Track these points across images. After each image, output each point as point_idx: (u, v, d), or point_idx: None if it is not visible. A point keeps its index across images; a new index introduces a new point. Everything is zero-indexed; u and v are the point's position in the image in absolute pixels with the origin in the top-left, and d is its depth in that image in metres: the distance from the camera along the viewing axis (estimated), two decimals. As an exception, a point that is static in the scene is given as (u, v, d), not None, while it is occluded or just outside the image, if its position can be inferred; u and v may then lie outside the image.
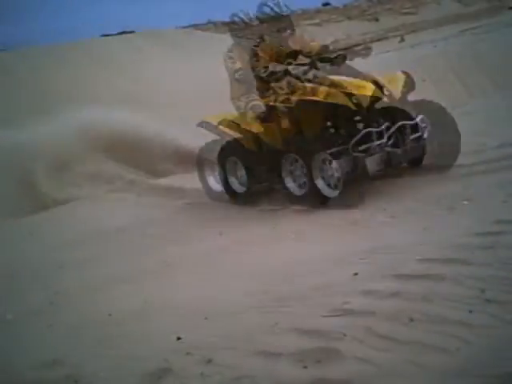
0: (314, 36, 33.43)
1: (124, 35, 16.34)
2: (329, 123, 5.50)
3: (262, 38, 5.87)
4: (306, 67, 5.46)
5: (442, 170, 5.41)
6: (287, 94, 5.39)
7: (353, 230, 4.56)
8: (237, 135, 6.01)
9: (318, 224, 4.87)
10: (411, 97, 14.96)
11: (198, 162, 6.75)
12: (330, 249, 4.23)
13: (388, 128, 5.26)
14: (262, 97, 5.63)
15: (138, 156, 8.60)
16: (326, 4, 42.85)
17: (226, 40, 21.19)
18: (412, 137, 5.39)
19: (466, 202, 4.64)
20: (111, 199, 7.57)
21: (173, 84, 12.39)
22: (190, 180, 7.60)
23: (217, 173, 6.49)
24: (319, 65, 5.52)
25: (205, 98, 12.13)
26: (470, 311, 2.86)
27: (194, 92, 12.31)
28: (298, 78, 5.39)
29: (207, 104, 12.40)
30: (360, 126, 5.33)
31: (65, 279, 4.81)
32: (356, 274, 3.61)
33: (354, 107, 5.11)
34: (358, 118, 5.38)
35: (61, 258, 5.44)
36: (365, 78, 5.25)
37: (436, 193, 4.97)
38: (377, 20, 38.91)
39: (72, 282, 4.70)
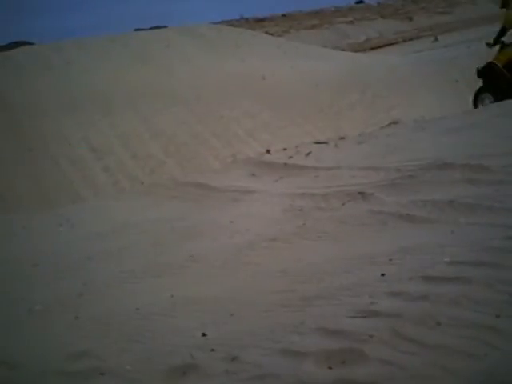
0: (346, 34, 33.24)
1: (157, 30, 16.45)
2: None
3: None
4: None
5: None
6: None
7: (382, 229, 4.51)
8: None
9: (346, 223, 4.83)
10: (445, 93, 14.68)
11: None
12: (358, 248, 4.20)
13: None
14: None
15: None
16: (360, 2, 42.68)
17: (257, 36, 21.21)
18: None
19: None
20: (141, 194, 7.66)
21: (203, 79, 12.43)
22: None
23: None
24: None
25: (238, 94, 12.18)
26: (498, 316, 2.82)
27: (225, 88, 12.34)
28: None
29: (239, 100, 12.49)
30: None
31: (93, 271, 4.87)
32: (383, 274, 3.58)
33: None
34: None
35: (90, 248, 5.52)
36: None
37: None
38: (410, 19, 38.65)
39: (100, 273, 4.75)
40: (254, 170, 7.82)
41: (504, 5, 9.78)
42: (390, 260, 3.81)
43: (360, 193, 5.48)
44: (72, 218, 6.99)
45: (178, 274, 4.33)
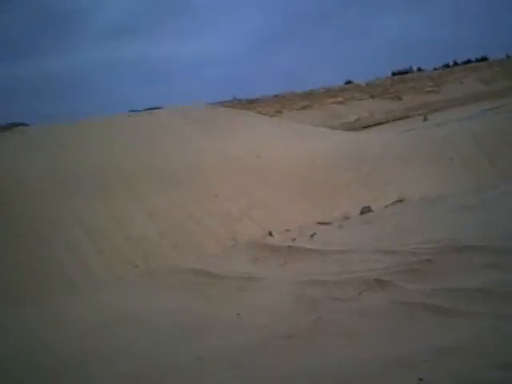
0: (337, 114, 33.59)
1: (151, 111, 16.37)
2: None
3: None
4: None
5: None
6: None
7: (409, 323, 4.07)
8: None
9: (366, 316, 4.38)
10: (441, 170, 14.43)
11: None
12: (387, 347, 3.74)
13: None
14: None
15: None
16: (349, 82, 43.48)
17: (252, 116, 21.09)
18: None
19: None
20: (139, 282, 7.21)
21: (197, 159, 12.22)
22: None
23: None
24: None
25: (232, 173, 11.92)
26: None
27: (219, 168, 12.10)
28: None
29: (234, 179, 12.21)
30: None
31: (89, 378, 4.37)
32: (421, 379, 3.13)
33: None
34: None
35: (85, 349, 5.01)
36: None
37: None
38: (399, 98, 39.30)
39: (98, 381, 4.25)
40: (257, 253, 7.43)
41: None
42: (426, 362, 3.37)
43: (377, 280, 5.06)
44: (64, 311, 6.49)
45: (186, 381, 3.83)
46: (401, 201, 9.08)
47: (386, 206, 8.93)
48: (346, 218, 8.48)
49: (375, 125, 34.36)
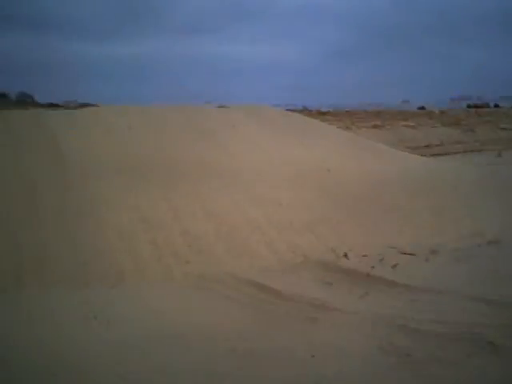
0: (407, 138, 32.40)
1: (222, 108, 15.75)
2: None
3: None
4: None
5: None
6: None
7: None
8: None
9: None
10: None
11: None
12: None
13: None
14: None
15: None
16: (422, 108, 42.30)
17: (325, 127, 20.16)
18: None
19: None
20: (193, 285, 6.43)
21: (265, 163, 11.47)
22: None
23: None
24: None
25: (299, 183, 11.10)
26: None
27: (287, 176, 11.32)
28: None
29: (300, 190, 11.40)
30: None
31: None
32: None
33: None
34: None
35: (125, 363, 4.22)
36: None
37: None
38: (472, 131, 37.85)
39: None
40: (328, 276, 6.54)
41: None
42: None
43: (490, 343, 4.09)
44: (108, 309, 5.72)
45: None
46: (495, 242, 8.02)
47: (478, 245, 7.88)
48: (433, 251, 7.48)
49: (445, 154, 33.06)
